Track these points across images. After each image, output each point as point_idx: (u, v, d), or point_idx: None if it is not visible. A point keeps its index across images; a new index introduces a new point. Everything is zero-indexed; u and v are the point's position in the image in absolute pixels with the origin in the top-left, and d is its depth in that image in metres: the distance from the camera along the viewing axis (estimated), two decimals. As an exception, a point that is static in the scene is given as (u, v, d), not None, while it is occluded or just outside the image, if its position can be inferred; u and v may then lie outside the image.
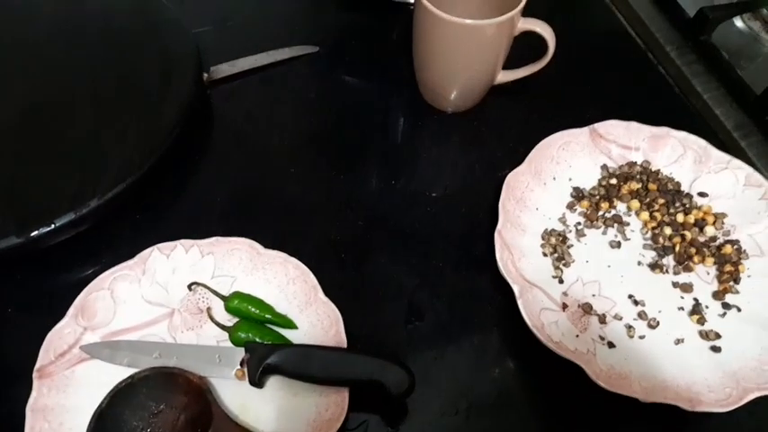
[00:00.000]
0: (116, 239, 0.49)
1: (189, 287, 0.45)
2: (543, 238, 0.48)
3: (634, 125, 0.53)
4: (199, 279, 0.45)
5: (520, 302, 0.43)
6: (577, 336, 0.44)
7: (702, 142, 0.52)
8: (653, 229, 0.49)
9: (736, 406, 0.40)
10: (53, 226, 0.45)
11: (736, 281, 0.47)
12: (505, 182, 0.48)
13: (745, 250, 0.48)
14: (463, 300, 0.47)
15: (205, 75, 0.58)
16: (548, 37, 0.51)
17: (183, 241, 0.46)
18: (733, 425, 0.42)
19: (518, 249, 0.47)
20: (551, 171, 0.51)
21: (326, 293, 0.44)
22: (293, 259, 0.45)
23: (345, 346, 0.41)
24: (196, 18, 0.62)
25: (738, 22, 0.68)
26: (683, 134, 0.53)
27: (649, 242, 0.49)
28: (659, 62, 0.64)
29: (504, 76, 0.55)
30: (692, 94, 0.61)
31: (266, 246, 0.46)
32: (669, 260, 0.48)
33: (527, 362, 0.45)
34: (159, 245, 0.46)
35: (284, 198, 0.52)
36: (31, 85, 0.54)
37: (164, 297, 0.45)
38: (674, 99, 0.62)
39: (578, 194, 0.51)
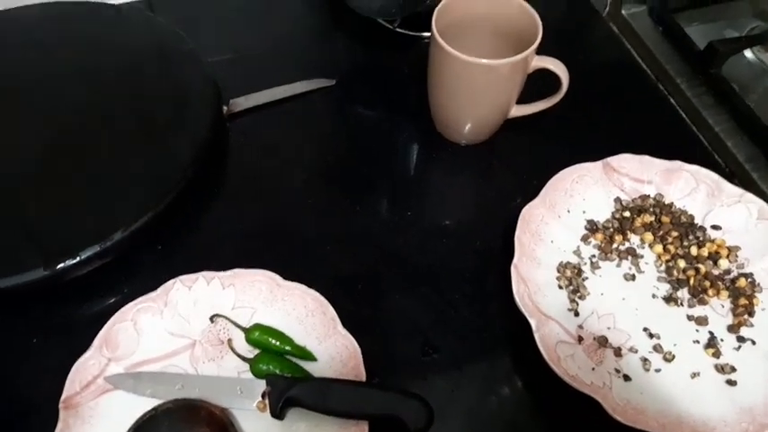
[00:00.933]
0: (138, 271, 0.50)
1: (210, 319, 0.46)
2: (558, 271, 0.49)
3: (647, 159, 0.54)
4: (220, 311, 0.46)
5: (537, 336, 0.43)
6: (593, 369, 0.44)
7: (715, 176, 0.53)
8: (667, 261, 0.50)
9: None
10: (78, 258, 0.47)
11: (751, 314, 0.47)
12: (521, 215, 0.49)
13: (759, 283, 0.49)
14: (478, 333, 0.48)
15: (224, 108, 0.59)
16: (562, 75, 0.52)
17: (204, 273, 0.47)
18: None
19: (534, 283, 0.47)
20: (565, 204, 0.52)
21: (343, 324, 0.45)
22: (312, 291, 0.46)
23: (364, 379, 0.42)
24: (213, 50, 0.63)
25: (748, 54, 0.69)
26: (695, 168, 0.53)
27: (663, 275, 0.49)
28: (670, 94, 0.65)
29: (518, 111, 0.56)
30: (703, 127, 0.62)
31: (284, 278, 0.47)
32: (684, 293, 0.49)
33: (543, 396, 0.45)
34: (182, 277, 0.47)
35: (301, 231, 0.53)
36: (54, 123, 0.55)
37: (185, 328, 0.46)
38: (686, 131, 0.62)
39: (592, 227, 0.52)
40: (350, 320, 0.45)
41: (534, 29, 0.50)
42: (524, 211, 0.50)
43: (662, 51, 0.68)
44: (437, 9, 0.51)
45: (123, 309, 0.45)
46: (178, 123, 0.55)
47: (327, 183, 0.57)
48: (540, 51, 0.51)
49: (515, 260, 0.47)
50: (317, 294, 0.46)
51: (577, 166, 0.53)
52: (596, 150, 0.55)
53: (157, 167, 0.52)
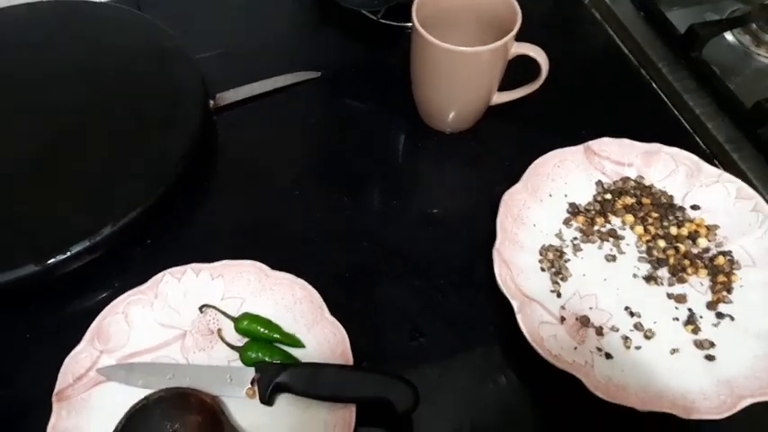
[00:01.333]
0: (128, 265, 0.51)
1: (200, 309, 0.47)
2: (541, 254, 0.50)
3: (627, 142, 0.54)
4: (209, 301, 0.47)
5: (519, 318, 0.44)
6: (576, 348, 0.45)
7: (694, 157, 0.54)
8: (647, 242, 0.51)
9: (730, 413, 0.41)
10: (69, 253, 0.47)
11: (729, 291, 0.48)
12: (502, 200, 0.50)
13: (737, 261, 0.50)
14: (466, 317, 0.49)
15: (211, 102, 0.60)
16: (541, 61, 0.53)
17: (193, 265, 0.48)
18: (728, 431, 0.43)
19: (516, 266, 0.48)
20: (547, 188, 0.53)
21: (332, 313, 0.46)
22: (299, 280, 0.47)
23: (352, 363, 0.43)
24: (200, 45, 0.64)
25: (729, 37, 0.70)
26: (674, 150, 0.54)
27: (644, 255, 0.50)
28: (652, 79, 0.66)
29: (500, 98, 0.57)
30: (684, 110, 0.63)
31: (273, 269, 0.48)
32: (664, 272, 0.49)
33: (528, 376, 0.46)
34: (170, 269, 0.47)
35: (289, 222, 0.54)
36: (45, 120, 0.56)
37: (176, 320, 0.47)
38: (668, 115, 0.63)
39: (574, 210, 0.53)
40: (339, 309, 0.46)
41: (514, 16, 0.51)
42: (506, 195, 0.50)
43: (644, 36, 0.69)
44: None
45: (114, 302, 0.46)
46: (166, 120, 0.56)
47: (315, 174, 0.58)
48: (522, 39, 0.52)
49: (497, 244, 0.48)
50: (305, 283, 0.47)
51: (559, 150, 0.54)
52: (579, 135, 0.56)
53: (146, 163, 0.53)
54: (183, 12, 0.69)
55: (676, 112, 0.63)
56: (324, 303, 0.46)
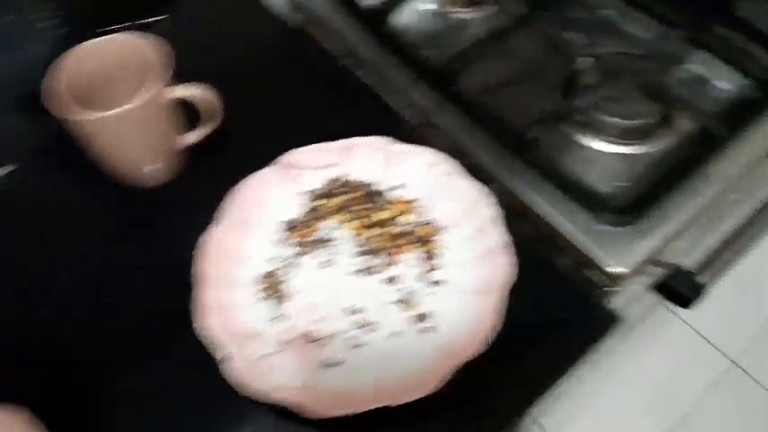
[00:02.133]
0: None
1: None
2: (258, 283, 0.49)
3: (319, 146, 0.54)
4: None
5: (226, 365, 0.43)
6: (301, 370, 0.44)
7: (385, 141, 0.54)
8: (359, 236, 0.51)
9: (444, 379, 0.42)
10: None
11: (437, 257, 0.50)
12: (201, 244, 0.48)
13: (439, 226, 0.51)
14: (204, 385, 0.46)
15: None
16: (199, 99, 0.51)
17: None
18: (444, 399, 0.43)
19: (233, 304, 0.47)
20: (255, 215, 0.52)
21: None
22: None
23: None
24: None
25: (420, 5, 0.73)
26: (367, 139, 0.55)
27: (358, 249, 0.51)
28: (355, 67, 0.66)
29: (186, 139, 0.55)
30: (386, 87, 0.64)
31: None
32: (378, 259, 0.50)
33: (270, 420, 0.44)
34: None
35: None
36: None
37: None
38: (373, 98, 0.63)
39: (289, 227, 0.52)
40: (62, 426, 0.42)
41: (162, 63, 0.49)
42: (205, 239, 0.49)
43: (339, 24, 0.69)
44: (45, 82, 0.49)
45: None
46: None
47: (23, 278, 0.53)
48: (192, 68, 0.50)
49: (201, 295, 0.46)
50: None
51: (253, 175, 0.53)
52: (289, 148, 0.55)
53: None
54: None
55: (380, 93, 0.64)
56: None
